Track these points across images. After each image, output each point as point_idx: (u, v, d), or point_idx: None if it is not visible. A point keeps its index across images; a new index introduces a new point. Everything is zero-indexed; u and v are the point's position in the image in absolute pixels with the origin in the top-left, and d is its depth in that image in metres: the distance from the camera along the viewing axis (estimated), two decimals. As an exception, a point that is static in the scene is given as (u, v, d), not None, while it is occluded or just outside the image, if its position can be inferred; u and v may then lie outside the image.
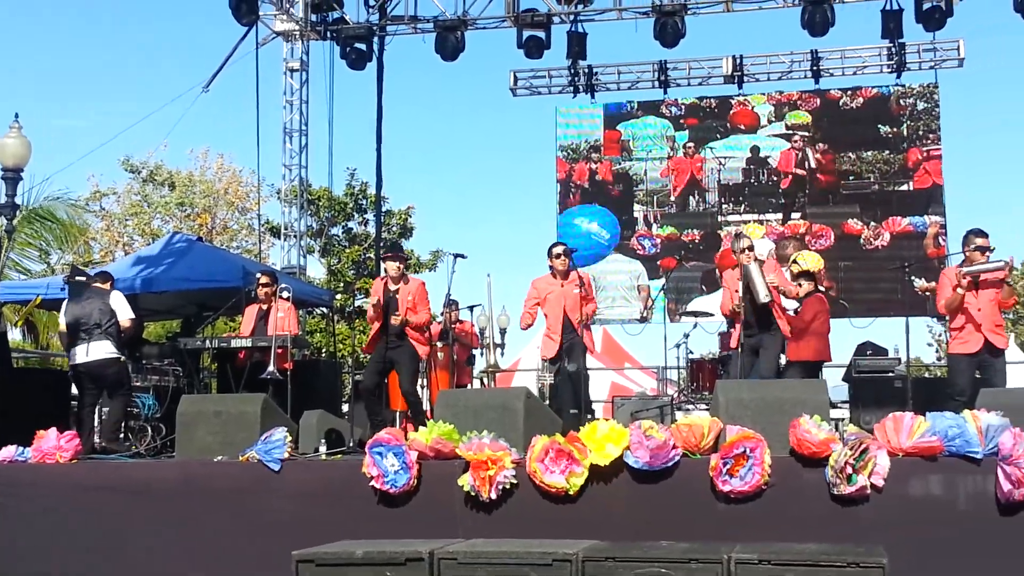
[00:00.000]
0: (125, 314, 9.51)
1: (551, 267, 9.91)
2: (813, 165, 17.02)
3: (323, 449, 8.07)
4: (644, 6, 15.58)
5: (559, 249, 9.91)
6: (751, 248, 9.51)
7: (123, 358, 9.56)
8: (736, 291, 9.50)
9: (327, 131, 16.79)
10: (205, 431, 7.84)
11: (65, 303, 9.72)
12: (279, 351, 9.63)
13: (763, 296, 9.25)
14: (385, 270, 10.00)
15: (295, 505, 7.24)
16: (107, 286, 9.98)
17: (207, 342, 10.71)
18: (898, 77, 17.06)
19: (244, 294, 11.17)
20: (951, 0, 14.48)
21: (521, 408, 7.11)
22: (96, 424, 9.80)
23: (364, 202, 25.87)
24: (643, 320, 16.90)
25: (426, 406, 10.45)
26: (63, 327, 9.64)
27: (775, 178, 17.13)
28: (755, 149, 17.26)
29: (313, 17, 16.54)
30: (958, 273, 8.73)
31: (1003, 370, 8.69)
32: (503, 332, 10.42)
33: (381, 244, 20.09)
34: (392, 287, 9.79)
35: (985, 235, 8.81)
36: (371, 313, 9.96)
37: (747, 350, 9.53)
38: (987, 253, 8.77)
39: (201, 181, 29.40)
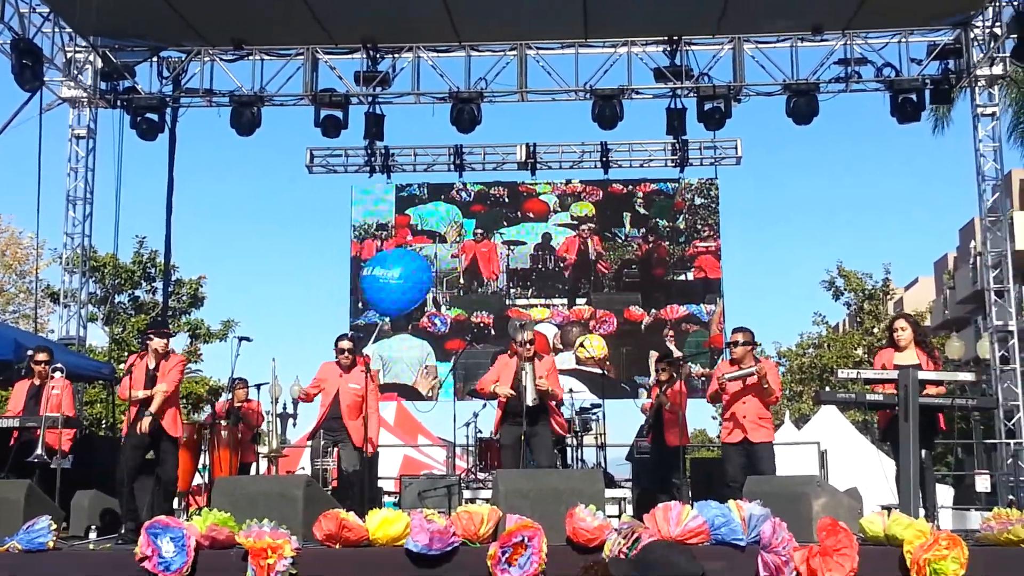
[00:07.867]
0: None
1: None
2: (596, 254, 17.61)
3: (93, 535, 7.76)
4: (441, 91, 15.84)
5: (345, 344, 9.99)
6: (531, 342, 9.71)
7: None
8: (497, 379, 9.72)
9: (115, 199, 16.35)
10: (-38, 520, 7.37)
11: None
12: (54, 431, 9.19)
13: (529, 401, 9.40)
14: (151, 347, 9.40)
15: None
16: None
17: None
18: (681, 171, 17.93)
19: (15, 369, 10.66)
20: (730, 103, 15.35)
21: (300, 496, 7.04)
22: None
23: (153, 270, 25.25)
24: (429, 399, 17.08)
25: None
26: None
27: (561, 264, 17.65)
28: (547, 236, 17.76)
29: (103, 85, 15.99)
30: (719, 375, 9.27)
31: (769, 458, 9.15)
32: (296, 403, 10.22)
33: (165, 316, 19.58)
34: (151, 364, 9.36)
35: (745, 331, 9.36)
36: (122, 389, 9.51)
37: (513, 433, 9.61)
38: (750, 348, 9.30)
39: (-24, 241, 28.11)
